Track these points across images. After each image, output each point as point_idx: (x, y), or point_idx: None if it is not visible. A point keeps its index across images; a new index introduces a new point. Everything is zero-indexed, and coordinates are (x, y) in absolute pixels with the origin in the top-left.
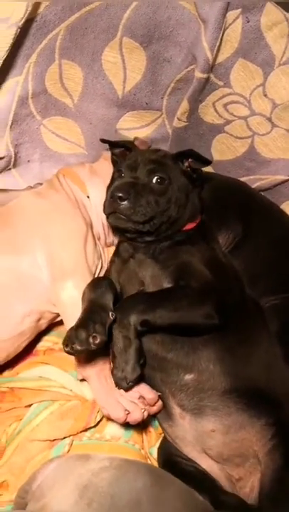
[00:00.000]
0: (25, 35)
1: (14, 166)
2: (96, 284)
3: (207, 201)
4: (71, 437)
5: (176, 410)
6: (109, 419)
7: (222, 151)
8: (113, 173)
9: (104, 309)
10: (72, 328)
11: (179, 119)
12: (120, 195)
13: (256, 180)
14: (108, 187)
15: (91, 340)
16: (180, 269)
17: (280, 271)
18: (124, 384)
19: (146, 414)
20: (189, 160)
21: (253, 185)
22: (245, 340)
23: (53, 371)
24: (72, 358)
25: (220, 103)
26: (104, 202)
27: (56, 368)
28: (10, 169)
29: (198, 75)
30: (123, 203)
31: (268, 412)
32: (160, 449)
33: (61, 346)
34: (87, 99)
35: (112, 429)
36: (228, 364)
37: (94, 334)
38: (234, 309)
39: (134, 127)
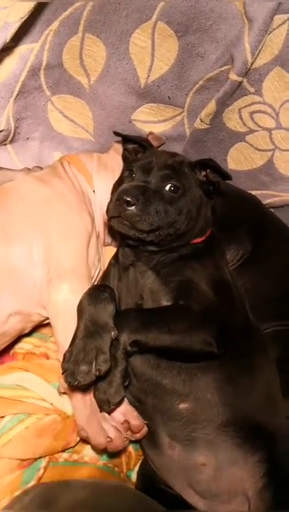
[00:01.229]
0: None
1: (11, 141)
2: (96, 295)
3: (218, 212)
4: (47, 458)
5: (165, 439)
6: (85, 441)
7: (238, 160)
8: (123, 171)
9: (105, 329)
10: (71, 357)
11: (201, 121)
12: (128, 199)
13: (268, 196)
14: (115, 185)
15: (94, 371)
16: (181, 287)
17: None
18: (106, 407)
19: (127, 442)
20: (208, 171)
21: (264, 201)
22: (246, 369)
23: (33, 380)
24: (56, 367)
25: (246, 110)
26: (109, 203)
27: (37, 376)
28: (5, 145)
29: (233, 77)
30: (130, 208)
31: (262, 447)
32: (140, 473)
33: (42, 350)
34: (105, 81)
35: (92, 450)
36: (227, 394)
37: (98, 367)
38: (236, 336)
39: (151, 121)
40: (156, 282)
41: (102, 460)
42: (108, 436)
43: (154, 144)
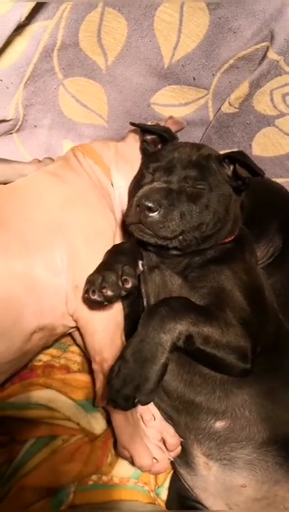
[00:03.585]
0: None
1: (17, 130)
2: (119, 243)
3: (247, 206)
4: (75, 483)
5: (200, 459)
6: (121, 458)
7: (265, 145)
8: (142, 165)
9: (133, 255)
10: (96, 272)
11: (230, 104)
12: (150, 205)
13: None
14: (134, 182)
15: (121, 284)
16: (213, 295)
17: None
18: (124, 404)
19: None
20: (236, 165)
21: None
22: (285, 382)
23: (57, 398)
24: (81, 382)
25: (279, 92)
26: (128, 208)
27: (61, 394)
28: (11, 133)
29: (273, 56)
30: (152, 214)
31: None
32: (172, 491)
33: (62, 362)
34: (124, 61)
35: (121, 470)
36: (266, 410)
37: (124, 277)
38: (270, 347)
39: (172, 104)
40: (185, 288)
41: (132, 479)
42: (154, 457)
43: (173, 128)
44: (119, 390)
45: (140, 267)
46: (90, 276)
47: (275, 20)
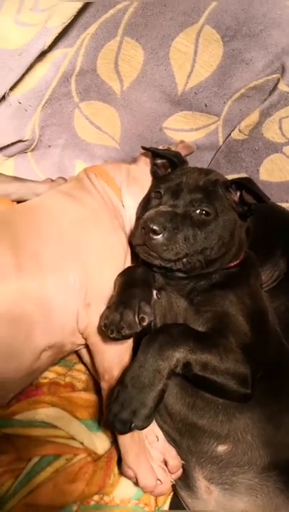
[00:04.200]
0: None
1: (32, 149)
2: (132, 267)
3: (252, 230)
4: (78, 502)
5: (202, 483)
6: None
7: (272, 171)
8: (150, 189)
9: (147, 285)
10: (113, 308)
11: (240, 131)
12: (154, 228)
13: None
14: (142, 204)
15: (138, 321)
16: (217, 319)
17: None
18: (122, 428)
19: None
20: (243, 191)
21: None
22: (287, 406)
23: (61, 417)
24: (86, 401)
25: (288, 121)
26: (134, 230)
27: (65, 412)
28: (26, 152)
29: (284, 88)
30: (156, 237)
31: None
32: None
33: (68, 380)
34: (139, 87)
35: (123, 491)
36: (268, 435)
37: (142, 316)
38: (272, 372)
39: (183, 129)
40: (190, 311)
41: (133, 500)
42: (158, 479)
43: (184, 152)
44: (116, 414)
45: (154, 296)
46: (107, 312)
47: (286, 54)
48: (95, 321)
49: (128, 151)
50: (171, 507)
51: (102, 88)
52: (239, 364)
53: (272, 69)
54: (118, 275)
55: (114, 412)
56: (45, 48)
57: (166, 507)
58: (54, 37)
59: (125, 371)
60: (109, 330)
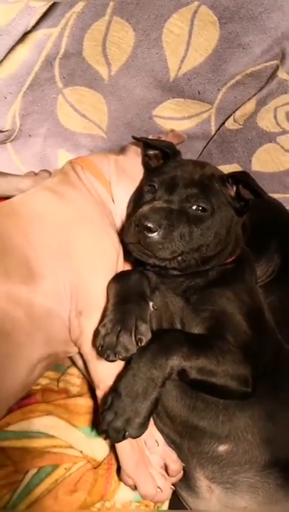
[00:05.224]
0: None
1: (11, 140)
2: (127, 272)
3: (247, 227)
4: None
5: (203, 483)
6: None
7: (264, 161)
8: (142, 182)
9: (142, 297)
10: (108, 328)
11: (235, 121)
12: (149, 225)
13: None
14: (133, 198)
15: (135, 342)
16: (214, 318)
17: None
18: (116, 437)
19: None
20: (240, 186)
21: (288, 206)
22: (286, 402)
23: (58, 426)
24: (82, 407)
25: (283, 109)
26: (127, 227)
27: (62, 421)
28: (5, 143)
29: (283, 75)
30: (151, 235)
31: None
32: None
33: (62, 386)
34: (128, 72)
35: (123, 495)
36: (268, 432)
37: (139, 337)
38: (271, 369)
39: (174, 117)
40: (187, 310)
41: (134, 502)
42: (158, 487)
43: (174, 141)
44: (110, 423)
45: (151, 308)
46: (103, 331)
47: (287, 38)
48: (87, 330)
49: (115, 141)
50: (170, 507)
51: (88, 73)
52: (237, 364)
53: (271, 55)
54: (111, 282)
55: (108, 421)
56: (29, 28)
57: (165, 507)
58: (39, 17)
59: (118, 379)
60: (106, 354)
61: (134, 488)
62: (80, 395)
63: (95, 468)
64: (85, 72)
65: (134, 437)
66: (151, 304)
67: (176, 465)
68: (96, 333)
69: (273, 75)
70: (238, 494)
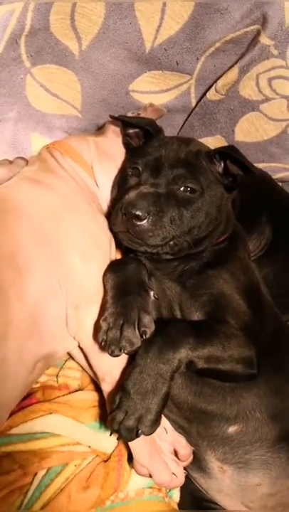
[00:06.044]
0: None
1: None
2: (122, 261)
3: (237, 203)
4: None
5: (215, 464)
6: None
7: (248, 131)
8: (124, 164)
9: (142, 287)
10: (110, 322)
11: (217, 91)
12: (138, 214)
13: (278, 170)
14: (117, 181)
15: (139, 335)
16: (214, 302)
17: None
18: (128, 436)
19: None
20: (227, 161)
21: (274, 176)
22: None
23: (64, 423)
24: (86, 402)
25: (265, 76)
26: (113, 215)
27: (68, 418)
28: None
29: (265, 40)
30: (140, 223)
31: None
32: (185, 492)
33: (61, 381)
34: (100, 46)
35: (136, 484)
36: (275, 408)
37: (143, 329)
38: (271, 346)
39: (152, 91)
40: (184, 296)
41: (146, 489)
42: (173, 473)
43: (153, 116)
44: (121, 422)
45: (152, 297)
46: (105, 326)
47: (267, 2)
48: (86, 323)
49: (91, 120)
50: (183, 487)
51: (58, 49)
52: (242, 347)
53: (251, 19)
54: (108, 272)
55: (119, 420)
56: None
57: (177, 490)
58: None
59: (125, 376)
60: (110, 349)
61: (149, 476)
62: (81, 389)
63: (105, 461)
64: (53, 49)
65: (147, 435)
66: (152, 293)
67: (186, 450)
68: (98, 327)
69: (254, 40)
70: (251, 472)
